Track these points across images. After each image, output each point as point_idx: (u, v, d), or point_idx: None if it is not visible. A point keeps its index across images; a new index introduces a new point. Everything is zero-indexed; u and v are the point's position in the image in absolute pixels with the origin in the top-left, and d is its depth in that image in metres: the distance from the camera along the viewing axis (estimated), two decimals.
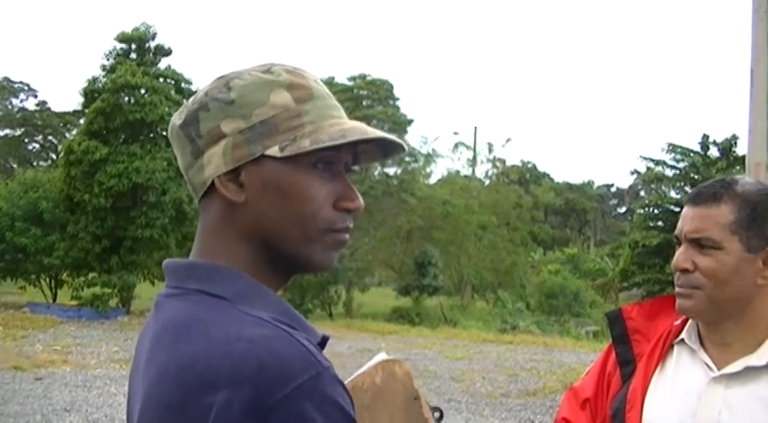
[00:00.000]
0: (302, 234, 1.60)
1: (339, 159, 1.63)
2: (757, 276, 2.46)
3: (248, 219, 1.61)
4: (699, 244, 2.49)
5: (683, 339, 2.63)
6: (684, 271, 2.51)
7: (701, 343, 2.60)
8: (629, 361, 2.71)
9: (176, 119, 1.69)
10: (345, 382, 1.56)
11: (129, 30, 34.32)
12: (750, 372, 2.47)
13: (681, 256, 2.53)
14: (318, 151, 1.58)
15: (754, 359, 2.47)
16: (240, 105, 1.60)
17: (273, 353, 1.40)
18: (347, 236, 1.67)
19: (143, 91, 32.64)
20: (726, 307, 2.49)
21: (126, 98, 32.55)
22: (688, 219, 2.54)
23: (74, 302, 30.98)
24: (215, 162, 1.60)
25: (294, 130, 1.59)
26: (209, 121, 1.62)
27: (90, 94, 33.45)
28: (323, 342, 1.60)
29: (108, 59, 34.23)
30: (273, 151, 1.57)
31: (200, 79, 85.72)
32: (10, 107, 78.06)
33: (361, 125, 1.64)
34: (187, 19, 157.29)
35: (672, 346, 2.66)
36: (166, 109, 32.31)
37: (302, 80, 1.65)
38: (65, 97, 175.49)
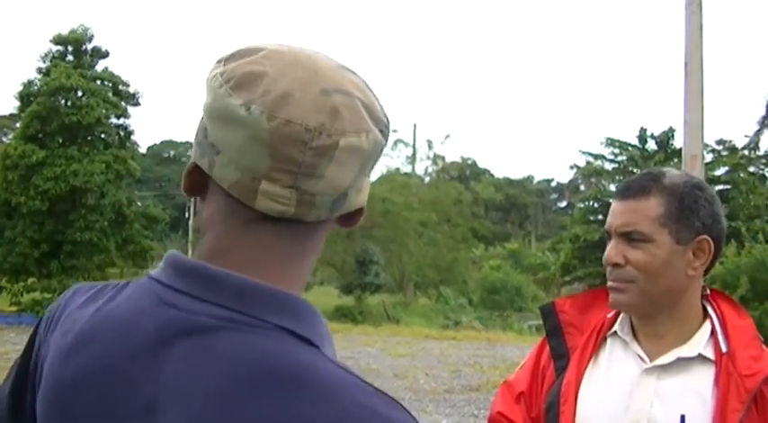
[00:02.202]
0: None
1: None
2: (688, 268, 2.49)
3: (321, 239, 1.46)
4: (629, 238, 2.51)
5: (615, 331, 2.65)
6: (616, 265, 2.52)
7: (634, 335, 2.62)
8: (563, 354, 2.71)
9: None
10: None
11: (65, 31, 34.00)
12: (681, 363, 2.50)
13: (612, 250, 2.54)
14: None
15: (686, 350, 2.50)
16: (377, 124, 1.41)
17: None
18: None
19: (80, 93, 32.38)
20: (659, 300, 2.52)
21: (62, 101, 32.24)
22: (618, 213, 2.55)
23: (13, 308, 30.64)
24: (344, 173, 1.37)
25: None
26: (358, 133, 1.38)
27: (26, 97, 33.11)
28: None
29: (44, 62, 33.91)
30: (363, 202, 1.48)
31: (138, 81, 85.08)
32: None
33: None
34: (124, 21, 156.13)
35: (605, 339, 2.67)
36: (104, 111, 32.13)
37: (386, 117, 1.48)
38: None
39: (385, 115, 1.41)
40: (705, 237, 2.49)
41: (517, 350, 22.72)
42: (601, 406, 2.56)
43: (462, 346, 23.82)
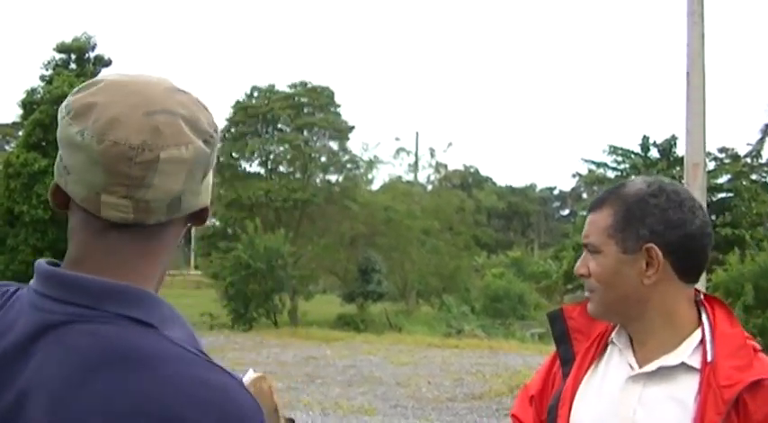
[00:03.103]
0: None
1: None
2: (642, 277, 2.51)
3: (171, 240, 1.72)
4: (588, 249, 2.59)
5: (613, 339, 2.69)
6: (583, 276, 2.61)
7: (631, 342, 2.64)
8: (570, 360, 2.75)
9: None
10: None
11: (68, 39, 34.06)
12: (664, 371, 2.52)
13: (578, 262, 2.64)
14: None
15: (670, 358, 2.52)
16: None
17: (232, 402, 1.48)
18: None
19: None
20: (619, 309, 2.58)
21: None
22: (585, 226, 2.63)
23: None
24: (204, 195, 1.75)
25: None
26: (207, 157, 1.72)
27: (28, 105, 33.16)
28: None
29: (47, 70, 33.96)
30: (206, 201, 1.77)
31: None
32: None
33: None
34: (126, 29, 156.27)
35: (607, 346, 2.71)
36: None
37: None
38: (2, 109, 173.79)
39: (211, 126, 1.65)
40: (651, 245, 2.50)
41: (520, 358, 22.69)
42: (592, 412, 2.61)
43: (465, 355, 23.77)
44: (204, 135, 1.61)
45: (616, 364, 2.64)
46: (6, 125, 66.61)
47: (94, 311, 1.52)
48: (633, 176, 2.66)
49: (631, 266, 2.51)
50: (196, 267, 70.75)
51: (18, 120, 36.47)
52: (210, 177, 1.71)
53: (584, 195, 69.32)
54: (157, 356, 1.49)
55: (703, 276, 2.69)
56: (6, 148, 65.85)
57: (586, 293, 2.63)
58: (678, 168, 36.65)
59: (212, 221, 45.98)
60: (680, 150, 39.13)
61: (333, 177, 46.01)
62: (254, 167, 47.39)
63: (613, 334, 2.68)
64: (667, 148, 41.88)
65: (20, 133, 42.47)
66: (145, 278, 1.63)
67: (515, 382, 18.10)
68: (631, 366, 2.58)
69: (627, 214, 2.52)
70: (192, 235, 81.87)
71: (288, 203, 40.97)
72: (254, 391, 1.72)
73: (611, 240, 2.52)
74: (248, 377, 1.91)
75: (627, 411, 2.51)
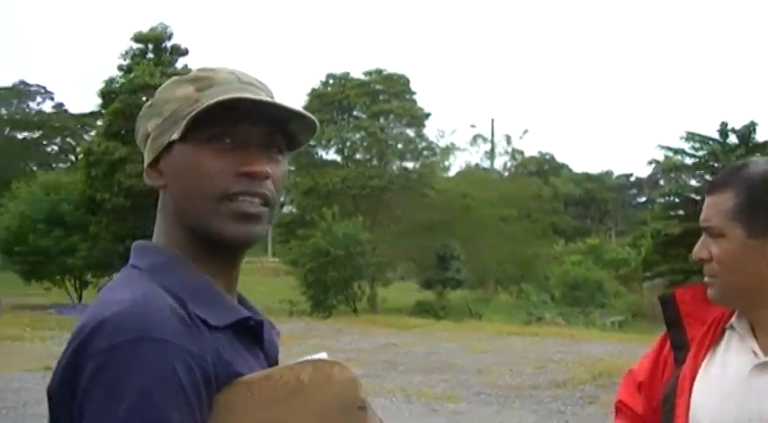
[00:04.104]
0: (204, 208, 1.67)
1: (240, 133, 1.69)
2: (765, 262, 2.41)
3: (171, 202, 1.74)
4: (709, 233, 2.48)
5: (733, 324, 2.57)
6: (703, 260, 2.50)
7: (752, 328, 2.53)
8: (683, 345, 2.65)
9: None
10: (262, 372, 1.61)
11: (145, 30, 34.40)
12: None
13: (698, 245, 2.52)
14: (211, 126, 1.67)
15: None
16: (156, 105, 1.77)
17: (116, 312, 1.49)
18: (252, 202, 1.69)
19: None
20: (743, 294, 2.47)
21: (144, 98, 32.58)
22: (703, 208, 2.52)
23: None
24: (145, 158, 1.76)
25: (190, 114, 1.67)
26: (141, 125, 1.79)
27: (107, 94, 33.65)
28: (241, 322, 1.68)
29: (125, 60, 34.41)
30: (174, 136, 1.68)
31: None
32: (27, 110, 78.50)
33: (249, 92, 1.71)
34: (202, 18, 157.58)
35: (724, 331, 2.60)
36: None
37: (209, 73, 1.76)
38: (81, 99, 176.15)
39: None
40: None
41: (600, 347, 22.50)
42: (713, 401, 2.50)
43: (545, 343, 23.62)
44: None
45: (736, 351, 2.53)
46: (85, 114, 67.57)
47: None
48: (753, 158, 2.51)
49: (757, 251, 2.40)
50: (273, 254, 71.34)
51: (97, 109, 36.82)
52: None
53: (661, 182, 68.57)
54: (113, 286, 1.63)
55: None
56: (85, 137, 66.82)
57: (706, 278, 2.51)
58: (758, 154, 36.12)
59: (289, 208, 46.27)
60: (759, 136, 38.67)
61: (409, 164, 46.03)
62: (330, 155, 47.57)
63: (733, 319, 2.56)
64: (746, 134, 41.21)
65: (98, 122, 42.98)
66: (158, 234, 1.76)
67: (598, 371, 17.96)
68: (756, 353, 2.46)
69: (752, 197, 2.41)
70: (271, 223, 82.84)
71: (365, 191, 41.00)
72: (312, 374, 1.59)
73: (736, 223, 2.41)
74: (313, 357, 1.76)
75: (753, 401, 2.41)
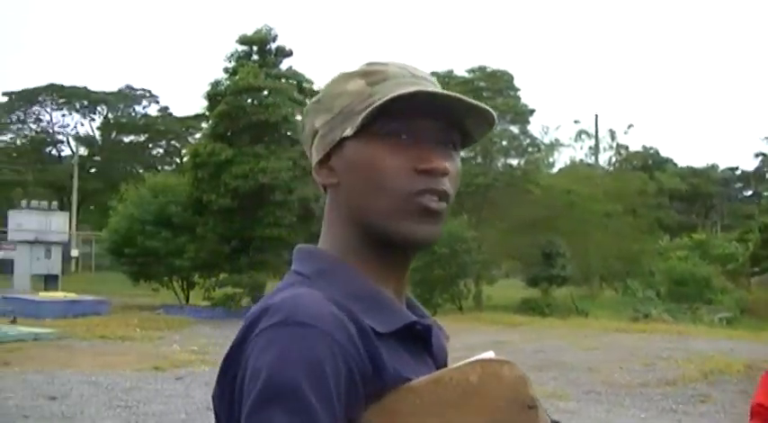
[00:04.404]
0: (382, 206, 1.63)
1: (416, 128, 1.65)
2: None
3: (342, 201, 1.70)
4: None
5: None
6: None
7: None
8: None
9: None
10: (430, 376, 1.56)
11: (250, 32, 34.67)
12: None
13: None
14: (387, 122, 1.63)
15: None
16: (324, 101, 1.73)
17: (279, 301, 1.51)
18: (432, 200, 1.65)
19: (265, 92, 33.00)
20: None
21: (249, 100, 32.89)
22: None
23: (206, 303, 31.43)
24: (313, 156, 1.74)
25: (365, 110, 1.63)
26: (307, 122, 1.77)
27: (213, 97, 33.89)
28: (408, 327, 1.63)
29: (230, 62, 34.65)
30: (347, 132, 1.65)
31: (322, 79, 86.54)
32: (133, 114, 79.62)
33: (423, 85, 1.67)
34: (306, 19, 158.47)
35: None
36: (289, 110, 32.63)
37: (380, 67, 1.72)
38: (185, 102, 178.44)
39: None
40: None
41: (709, 344, 22.21)
42: None
43: (653, 339, 23.38)
44: None
45: None
46: (189, 117, 68.40)
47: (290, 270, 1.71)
48: None
49: None
50: None
51: (202, 111, 37.24)
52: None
53: None
54: (277, 290, 1.60)
55: None
56: (190, 139, 67.65)
57: None
58: None
59: None
60: None
61: (513, 161, 45.70)
62: None
63: None
64: None
65: (203, 125, 43.41)
66: (327, 233, 1.74)
67: (708, 368, 17.77)
68: None
69: None
70: None
71: (469, 188, 40.73)
72: (482, 374, 1.55)
73: None
74: (480, 357, 1.71)
75: None
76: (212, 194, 31.12)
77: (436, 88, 1.67)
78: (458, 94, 1.62)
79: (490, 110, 1.66)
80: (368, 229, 1.66)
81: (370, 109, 1.60)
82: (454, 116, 1.67)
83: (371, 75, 1.69)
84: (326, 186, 1.73)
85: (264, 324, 1.47)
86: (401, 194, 1.62)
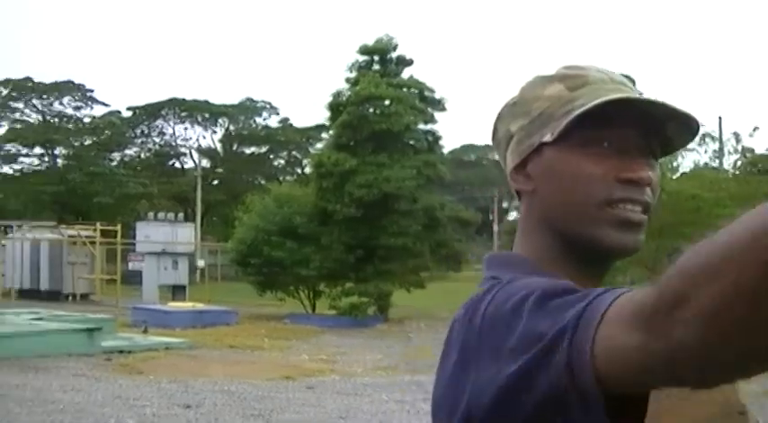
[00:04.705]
0: (581, 214, 1.59)
1: (618, 136, 1.59)
2: None
3: (539, 208, 1.65)
4: None
5: None
6: None
7: None
8: None
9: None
10: None
11: (370, 42, 34.84)
12: None
13: None
14: (588, 128, 1.57)
15: None
16: (521, 104, 1.69)
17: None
18: (634, 211, 1.59)
19: (387, 102, 33.08)
20: None
21: (371, 109, 33.02)
22: None
23: (332, 312, 31.56)
24: (509, 161, 1.70)
25: (566, 115, 1.58)
26: (501, 126, 1.73)
27: (335, 107, 34.09)
28: None
29: (351, 72, 34.83)
30: (546, 138, 1.60)
31: (442, 88, 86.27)
32: (254, 125, 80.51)
33: (624, 91, 1.60)
34: (427, 28, 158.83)
35: None
36: (411, 118, 32.72)
37: (580, 71, 1.67)
38: (304, 113, 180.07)
39: None
40: None
41: None
42: None
43: None
44: None
45: None
46: (310, 127, 68.97)
47: (484, 277, 1.59)
48: None
49: None
50: None
51: (323, 122, 37.51)
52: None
53: None
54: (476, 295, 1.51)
55: None
56: (310, 150, 68.20)
57: None
58: None
59: None
60: None
61: None
62: None
63: None
64: None
65: (323, 135, 43.71)
66: (522, 239, 1.70)
67: None
68: None
69: None
70: (495, 230, 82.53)
71: None
72: None
73: None
74: None
75: None
76: (337, 204, 31.35)
77: (637, 94, 1.62)
78: (663, 100, 1.56)
79: (694, 116, 1.58)
80: (568, 238, 1.62)
81: (575, 114, 1.55)
82: (656, 123, 1.61)
83: (571, 79, 1.64)
84: (521, 192, 1.70)
85: (498, 288, 1.44)
86: (602, 203, 1.58)
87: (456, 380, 1.44)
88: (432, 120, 35.20)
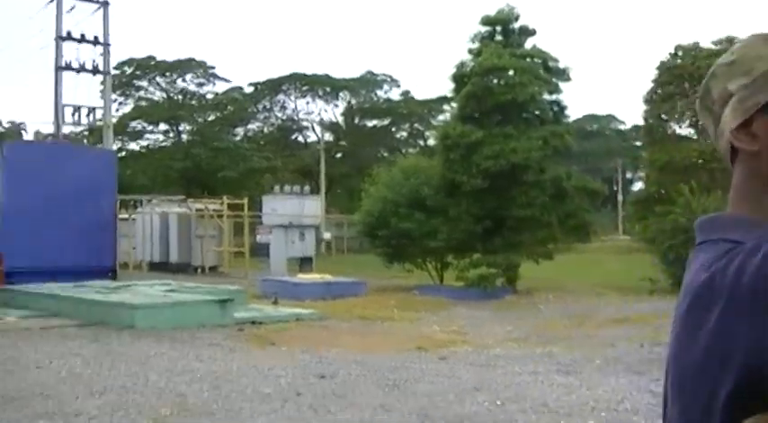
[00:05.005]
0: None
1: None
2: None
3: (764, 168, 1.57)
4: None
5: None
6: None
7: None
8: None
9: (697, 94, 1.74)
10: None
11: (492, 13, 34.65)
12: None
13: None
14: None
15: None
16: (741, 64, 1.62)
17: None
18: None
19: (511, 72, 32.90)
20: None
21: (495, 80, 32.87)
22: None
23: (460, 283, 31.51)
24: (727, 121, 1.62)
25: None
26: (717, 86, 1.65)
27: (459, 78, 34.03)
28: None
29: (473, 43, 34.70)
30: None
31: (567, 57, 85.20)
32: (375, 99, 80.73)
33: None
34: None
35: None
36: (536, 88, 32.47)
37: None
38: (425, 85, 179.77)
39: None
40: None
41: None
42: None
43: None
44: None
45: None
46: (432, 100, 68.91)
47: (707, 240, 1.56)
48: None
49: None
50: (623, 232, 70.47)
51: (445, 94, 37.43)
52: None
53: None
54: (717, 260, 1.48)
55: None
56: (432, 122, 68.14)
57: None
58: None
59: (638, 187, 45.50)
60: None
61: None
62: (683, 129, 46.43)
63: None
64: None
65: (445, 107, 43.57)
66: (743, 200, 1.62)
67: None
68: None
69: None
70: (619, 201, 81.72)
71: (722, 165, 39.66)
72: None
73: None
74: None
75: None
76: (464, 176, 31.30)
77: None
78: None
79: None
80: None
81: None
82: None
83: None
84: (742, 153, 1.62)
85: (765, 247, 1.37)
86: None
87: (729, 330, 1.39)
88: (557, 90, 34.85)
